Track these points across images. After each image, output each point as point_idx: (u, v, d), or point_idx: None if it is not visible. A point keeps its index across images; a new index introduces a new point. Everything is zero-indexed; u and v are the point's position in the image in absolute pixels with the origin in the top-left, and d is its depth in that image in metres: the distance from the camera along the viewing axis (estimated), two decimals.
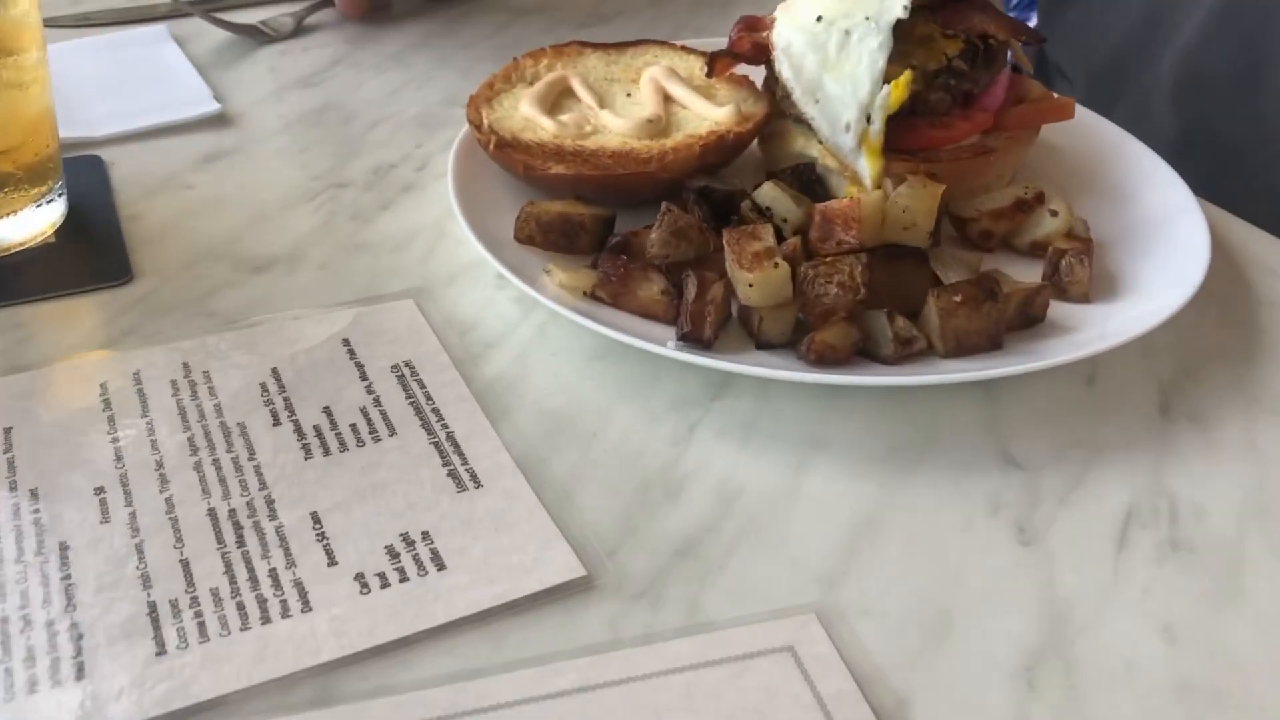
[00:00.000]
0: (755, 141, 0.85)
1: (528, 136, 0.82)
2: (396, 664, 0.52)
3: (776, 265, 0.67)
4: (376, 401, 0.66)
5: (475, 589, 0.55)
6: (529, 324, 0.73)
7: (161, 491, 0.60)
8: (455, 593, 0.54)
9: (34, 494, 0.60)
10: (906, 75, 0.77)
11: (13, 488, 0.60)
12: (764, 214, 0.75)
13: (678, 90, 0.86)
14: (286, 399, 0.66)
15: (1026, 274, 0.74)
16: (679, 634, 0.53)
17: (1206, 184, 0.85)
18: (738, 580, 0.56)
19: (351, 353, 0.70)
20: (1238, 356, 0.72)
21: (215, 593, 0.55)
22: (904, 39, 0.78)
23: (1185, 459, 0.64)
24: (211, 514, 0.59)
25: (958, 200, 0.78)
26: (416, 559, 0.56)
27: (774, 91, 0.83)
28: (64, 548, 0.57)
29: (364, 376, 0.68)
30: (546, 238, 0.76)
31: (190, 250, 0.80)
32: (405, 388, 0.67)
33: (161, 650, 0.52)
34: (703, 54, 0.88)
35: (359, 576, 0.55)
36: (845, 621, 0.54)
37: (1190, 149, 1.03)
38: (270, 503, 0.59)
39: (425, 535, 0.58)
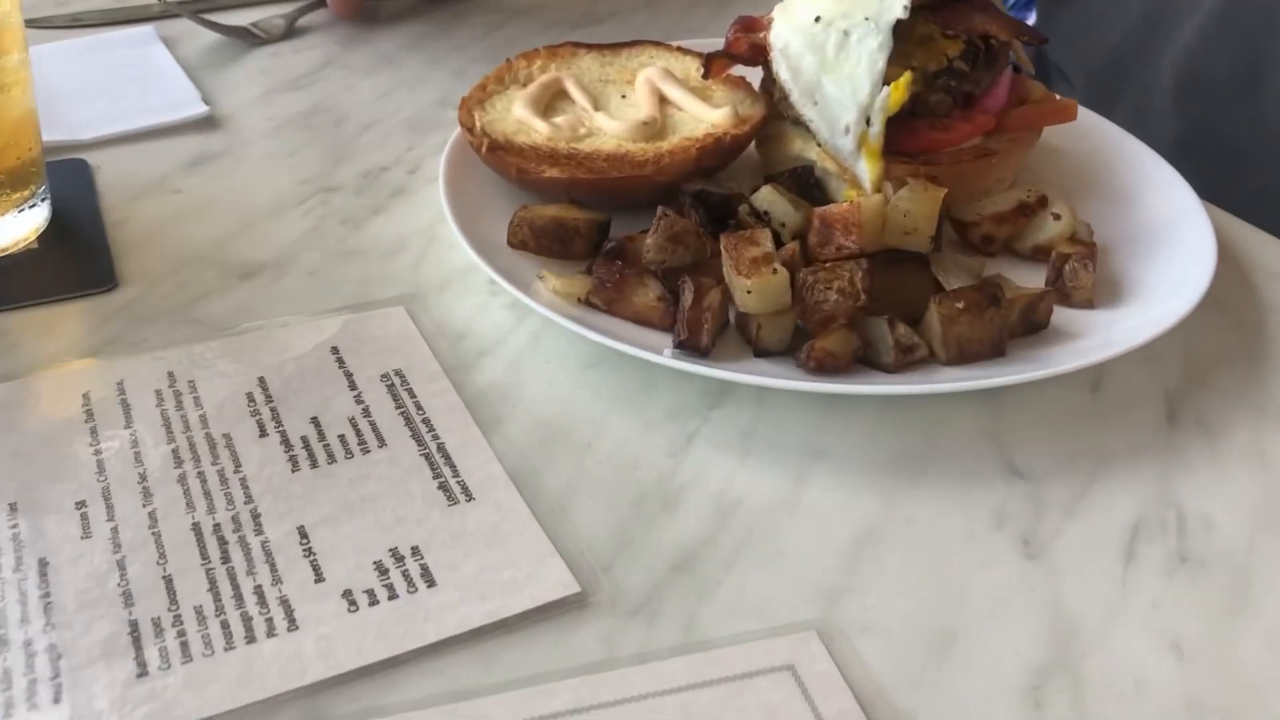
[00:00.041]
0: (752, 144, 0.83)
1: (521, 139, 0.80)
2: (385, 685, 0.50)
3: (775, 271, 0.66)
4: (366, 412, 0.64)
5: (466, 606, 0.53)
6: (522, 331, 0.72)
7: (145, 505, 0.58)
8: (445, 610, 0.53)
9: (13, 508, 0.58)
10: (906, 76, 0.75)
11: None
12: (762, 218, 0.73)
13: (673, 92, 0.84)
14: (273, 409, 0.65)
15: (1029, 279, 0.73)
16: (675, 652, 0.52)
17: (1207, 185, 0.83)
18: (736, 596, 0.55)
19: (340, 361, 0.68)
20: (1244, 363, 0.71)
21: (199, 611, 0.53)
22: (904, 39, 0.76)
23: (1193, 468, 0.63)
24: (196, 528, 0.57)
25: (958, 204, 0.77)
26: (406, 575, 0.55)
27: (771, 93, 0.82)
28: (43, 564, 0.55)
29: (353, 386, 0.66)
30: (540, 243, 0.75)
31: (176, 256, 0.78)
32: (395, 397, 0.66)
33: (143, 671, 0.50)
34: (699, 55, 0.87)
35: (347, 594, 0.54)
36: (847, 639, 0.53)
37: (1191, 150, 1.02)
38: (256, 517, 0.58)
39: (415, 550, 0.56)
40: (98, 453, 0.61)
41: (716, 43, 0.85)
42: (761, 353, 0.67)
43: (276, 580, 0.55)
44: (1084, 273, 0.71)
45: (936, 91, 0.78)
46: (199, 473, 0.60)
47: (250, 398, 0.65)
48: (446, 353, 0.69)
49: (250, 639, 0.52)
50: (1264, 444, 0.65)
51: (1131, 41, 1.16)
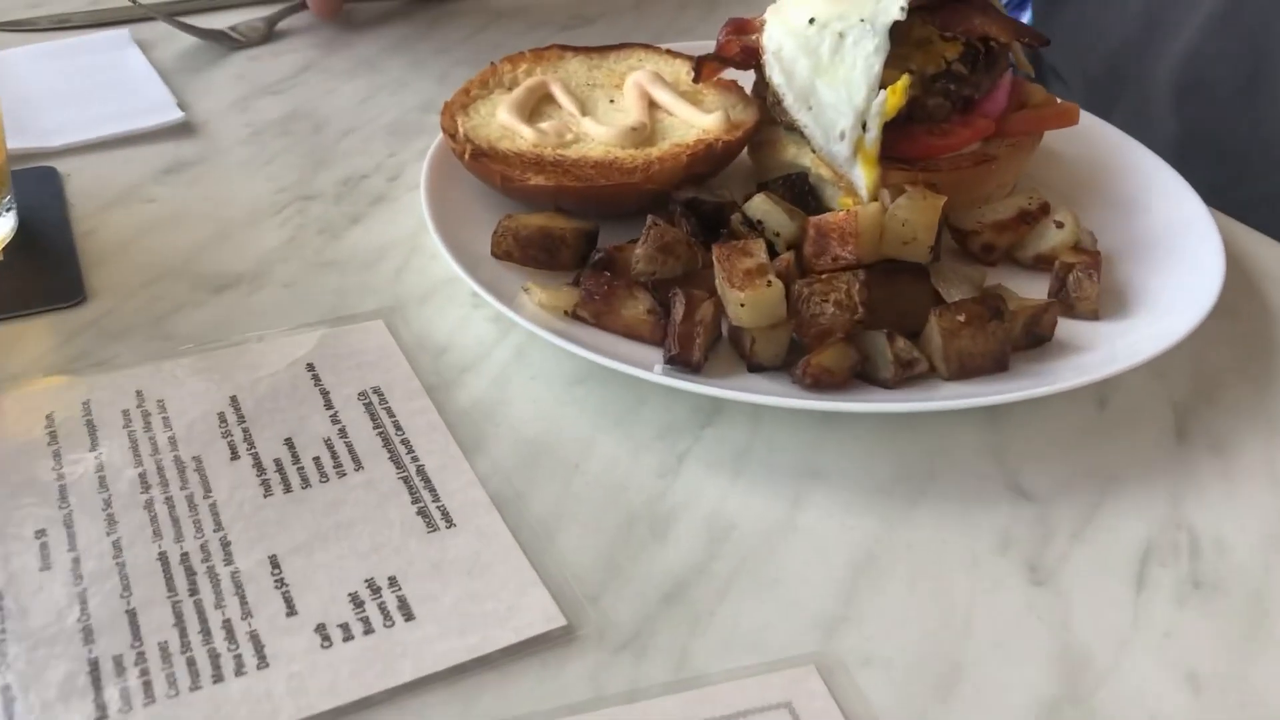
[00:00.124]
0: (745, 150, 0.80)
1: (505, 146, 0.78)
2: None
3: (769, 284, 0.63)
4: (342, 432, 0.62)
5: (445, 641, 0.51)
6: (506, 345, 0.69)
7: (109, 534, 0.56)
8: (423, 646, 0.50)
9: None
10: (904, 80, 0.73)
11: None
12: (755, 228, 0.71)
13: (663, 96, 0.82)
14: (246, 430, 0.62)
15: (1031, 289, 0.70)
16: (667, 689, 0.49)
17: (1207, 190, 0.81)
18: (730, 627, 0.52)
19: (316, 379, 0.65)
20: (1254, 376, 0.69)
21: (164, 647, 0.50)
22: (901, 42, 0.74)
23: (1204, 488, 0.61)
24: (162, 558, 0.54)
25: (958, 211, 0.74)
26: (382, 608, 0.52)
27: (764, 97, 0.79)
28: None
29: (329, 405, 0.63)
30: (525, 253, 0.72)
31: (148, 268, 0.75)
32: (373, 416, 0.63)
33: (102, 714, 0.47)
34: (689, 58, 0.84)
35: (320, 628, 0.51)
36: (846, 672, 0.50)
37: (1190, 154, 0.99)
38: (226, 545, 0.55)
39: (392, 581, 0.53)
40: (60, 478, 0.59)
41: (707, 45, 0.83)
42: (755, 368, 0.64)
43: (246, 614, 0.52)
44: (1089, 283, 0.69)
45: (935, 95, 0.75)
46: (167, 498, 0.58)
47: (222, 418, 0.63)
48: (427, 369, 0.67)
49: (217, 678, 0.49)
50: (1276, 461, 0.63)
51: (1130, 43, 1.14)
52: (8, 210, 0.76)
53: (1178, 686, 0.50)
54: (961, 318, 0.63)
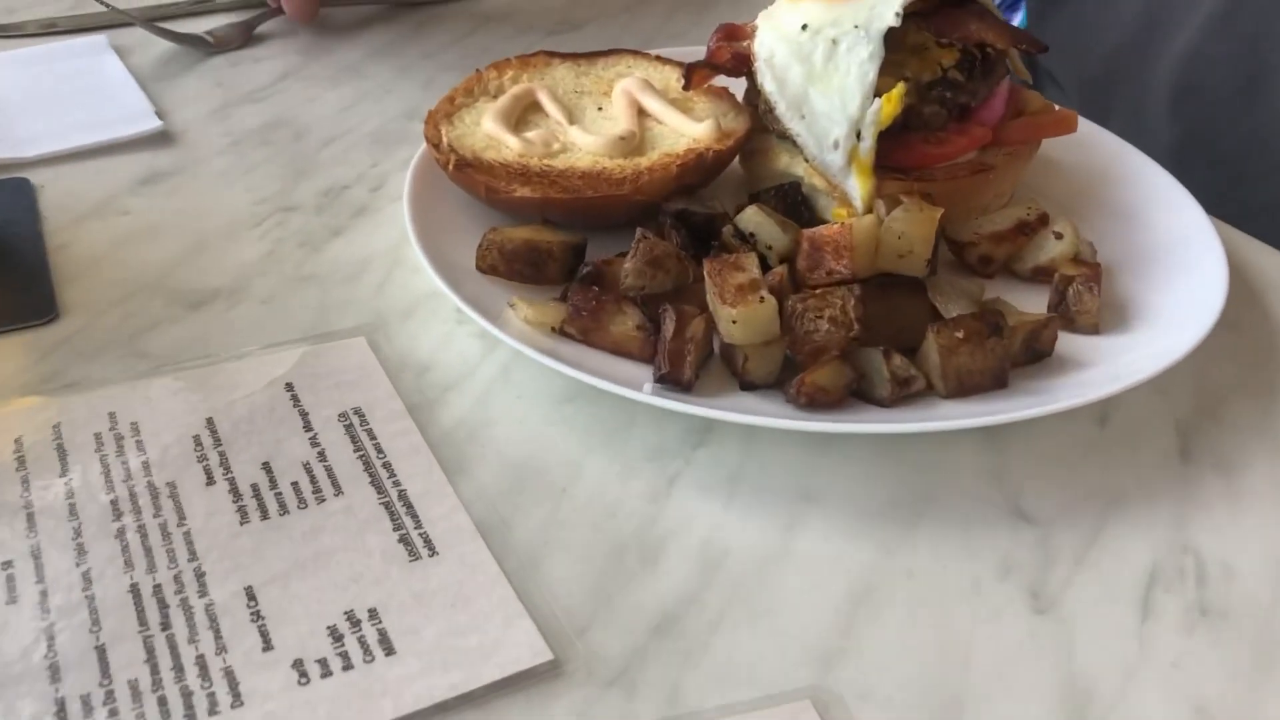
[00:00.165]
0: (736, 159, 0.79)
1: (490, 156, 0.76)
2: None
3: (762, 299, 0.61)
4: (321, 455, 0.60)
5: (427, 678, 0.49)
6: (492, 363, 0.67)
7: (78, 564, 0.54)
8: (404, 683, 0.48)
9: None
10: (899, 88, 0.71)
11: None
12: (747, 241, 0.69)
13: (653, 104, 0.80)
14: (222, 453, 0.60)
15: (1029, 301, 0.69)
16: None
17: (1205, 196, 0.79)
18: (723, 661, 0.50)
19: (295, 399, 0.63)
20: (1259, 392, 0.67)
21: (134, 686, 0.48)
22: (896, 48, 0.72)
23: (1209, 510, 0.59)
24: (134, 590, 0.52)
25: (954, 222, 0.73)
26: (362, 642, 0.50)
27: (756, 105, 0.77)
28: None
29: (308, 427, 0.61)
30: (511, 267, 0.70)
31: (123, 283, 0.73)
32: (353, 439, 0.61)
33: None
34: (679, 65, 0.82)
35: (297, 663, 0.49)
36: (844, 707, 0.48)
37: (1189, 158, 0.98)
38: (200, 576, 0.53)
39: (372, 613, 0.51)
40: (28, 505, 0.56)
41: (698, 51, 0.81)
42: (748, 386, 0.62)
43: (221, 649, 0.50)
44: (1089, 296, 0.67)
45: (930, 103, 0.73)
46: (139, 526, 0.56)
47: (197, 441, 0.60)
48: (410, 388, 0.65)
49: (190, 717, 0.47)
50: None
51: (1127, 45, 1.12)
52: None
53: (1186, 719, 0.49)
54: (960, 334, 0.62)
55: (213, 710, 0.47)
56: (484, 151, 0.76)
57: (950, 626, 0.52)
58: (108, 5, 1.02)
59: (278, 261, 0.75)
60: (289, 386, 0.64)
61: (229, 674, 0.49)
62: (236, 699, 0.48)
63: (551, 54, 0.86)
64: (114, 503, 0.57)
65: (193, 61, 1.01)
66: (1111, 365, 0.64)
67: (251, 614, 0.51)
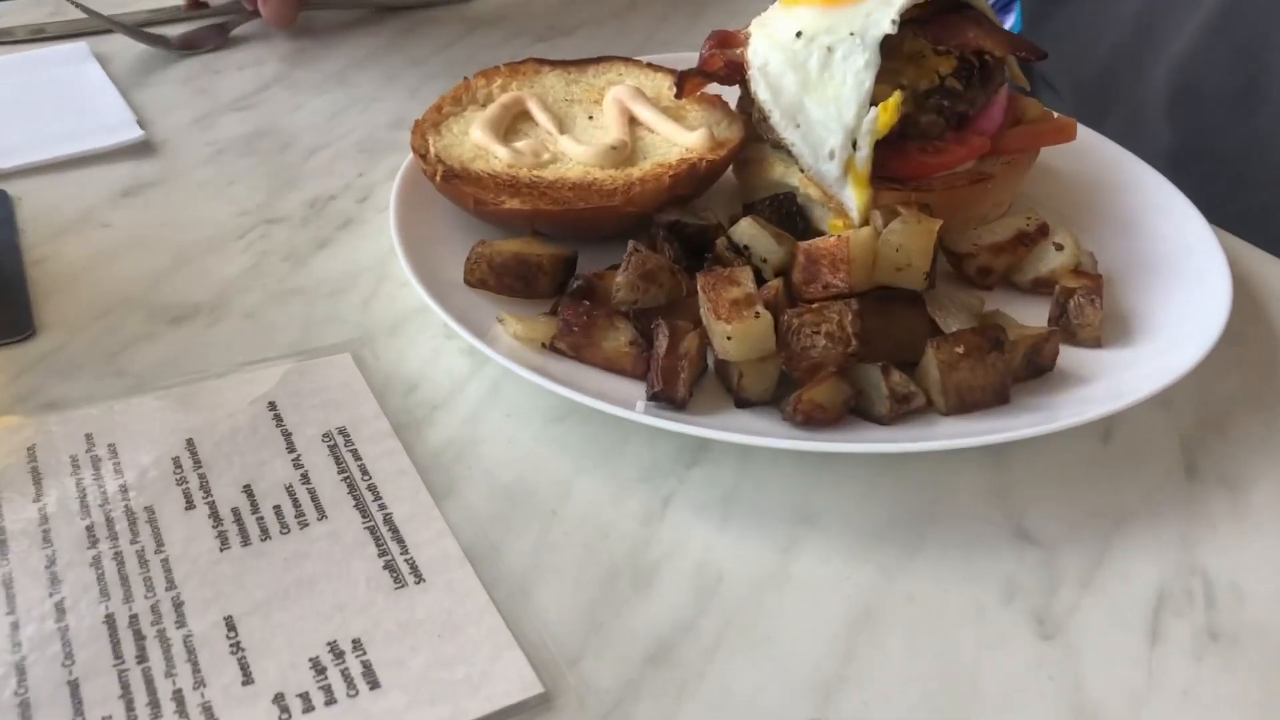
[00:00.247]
0: (730, 169, 0.77)
1: (479, 166, 0.74)
2: None
3: (757, 315, 0.60)
4: (305, 478, 0.58)
5: (413, 712, 0.47)
6: (481, 380, 0.66)
7: (51, 594, 0.52)
8: (390, 718, 0.47)
9: None
10: (896, 96, 0.70)
11: None
12: (742, 253, 0.67)
13: (644, 112, 0.78)
14: (202, 476, 0.58)
15: (1029, 314, 0.67)
16: None
17: (1203, 201, 0.78)
18: (720, 692, 0.49)
19: (278, 418, 0.62)
20: (1264, 405, 0.66)
21: None
22: (892, 56, 0.71)
23: (1217, 529, 0.58)
24: (109, 621, 0.51)
25: (952, 233, 0.71)
26: (346, 674, 0.48)
27: (750, 114, 0.76)
28: None
29: (291, 448, 0.60)
30: (500, 281, 0.68)
31: (102, 299, 0.71)
32: (338, 460, 0.59)
33: None
34: (671, 72, 0.81)
35: (278, 698, 0.47)
36: None
37: (1186, 163, 0.97)
38: (179, 606, 0.51)
39: (356, 644, 0.50)
40: (0, 531, 0.55)
41: (690, 58, 0.79)
42: (743, 403, 0.61)
43: (199, 682, 0.48)
44: (1091, 309, 0.66)
45: (928, 112, 0.72)
46: (116, 553, 0.54)
47: (177, 463, 0.59)
48: (396, 407, 0.63)
49: None
50: None
51: (1123, 50, 1.11)
52: None
53: None
54: (960, 349, 0.60)
55: None
56: (472, 162, 0.74)
57: (954, 653, 0.51)
58: (85, 9, 1.00)
59: (261, 275, 0.74)
60: (272, 405, 0.62)
61: (207, 710, 0.47)
62: None
63: (541, 61, 0.85)
64: (90, 528, 0.55)
65: (175, 71, 0.99)
66: (1114, 380, 0.63)
67: (231, 645, 0.50)
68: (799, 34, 0.72)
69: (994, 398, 0.61)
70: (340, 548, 0.54)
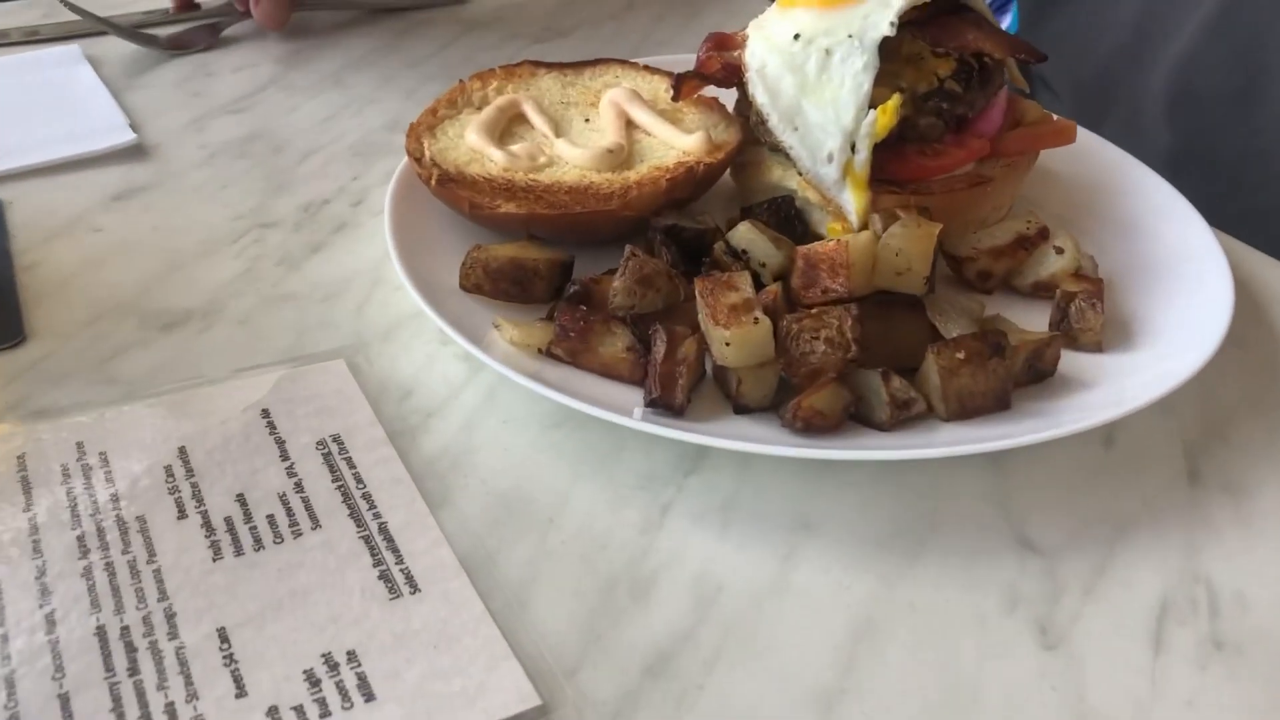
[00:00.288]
0: (727, 172, 0.76)
1: (474, 170, 0.73)
2: None
3: (756, 320, 0.59)
4: (298, 486, 0.57)
5: None
6: (476, 386, 0.65)
7: (41, 606, 0.51)
8: None
9: None
10: (895, 99, 0.69)
11: None
12: (740, 258, 0.67)
13: (641, 115, 0.78)
14: (194, 484, 0.57)
15: (1029, 318, 0.67)
16: None
17: (1202, 203, 0.78)
18: (719, 703, 0.48)
19: (271, 426, 0.61)
20: (1267, 410, 0.65)
21: None
22: (891, 58, 0.70)
23: (1220, 535, 0.57)
24: (100, 633, 0.50)
25: (952, 237, 0.71)
26: (340, 686, 0.48)
27: (747, 117, 0.75)
28: None
29: (284, 455, 0.59)
30: (496, 286, 0.68)
31: (93, 304, 0.70)
32: (332, 468, 0.58)
33: None
34: (668, 75, 0.80)
35: (272, 711, 0.47)
36: None
37: (1184, 165, 0.96)
38: (171, 617, 0.51)
39: (351, 656, 0.49)
40: None
41: (687, 61, 0.79)
42: (742, 409, 0.60)
43: (191, 695, 0.47)
44: (1092, 313, 0.65)
45: (927, 114, 0.71)
46: (107, 564, 0.53)
47: (169, 471, 0.58)
48: (391, 414, 0.62)
49: None
50: None
51: (1121, 51, 1.10)
52: None
53: None
54: (961, 355, 0.59)
55: None
56: (467, 165, 0.74)
57: (956, 664, 0.50)
58: (79, 11, 0.99)
59: (255, 280, 0.73)
60: (265, 412, 0.62)
61: None
62: None
63: (537, 64, 0.84)
64: (80, 538, 0.54)
65: (168, 72, 0.99)
66: (1116, 385, 0.62)
67: (224, 657, 0.49)
68: (797, 36, 0.71)
69: (995, 403, 0.60)
70: (334, 557, 0.54)
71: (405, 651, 0.49)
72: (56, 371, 0.65)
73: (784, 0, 0.74)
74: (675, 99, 0.77)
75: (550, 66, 0.84)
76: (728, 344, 0.59)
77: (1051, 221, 0.73)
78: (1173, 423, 0.64)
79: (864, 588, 0.54)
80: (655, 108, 0.78)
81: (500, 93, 0.81)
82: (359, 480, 0.58)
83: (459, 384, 0.65)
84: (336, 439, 0.60)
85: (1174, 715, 0.48)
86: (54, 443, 0.60)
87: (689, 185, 0.72)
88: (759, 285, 0.64)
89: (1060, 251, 0.70)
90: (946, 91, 0.71)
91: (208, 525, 0.55)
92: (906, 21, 0.69)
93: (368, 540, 0.54)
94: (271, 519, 0.55)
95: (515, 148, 0.75)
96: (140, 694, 0.47)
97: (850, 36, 0.70)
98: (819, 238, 0.70)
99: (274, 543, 0.54)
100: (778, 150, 0.73)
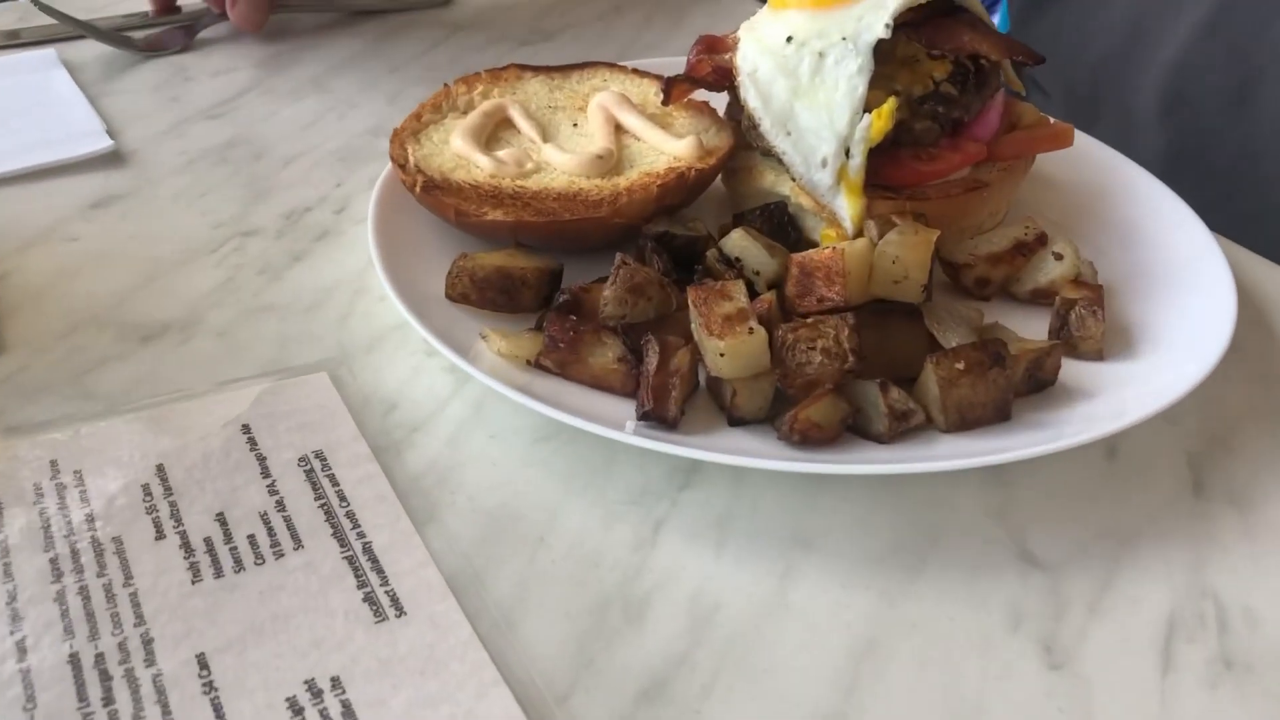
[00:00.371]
0: (719, 178, 0.75)
1: (460, 176, 0.72)
2: None
3: (751, 331, 0.58)
4: (280, 505, 0.56)
5: None
6: (463, 398, 0.63)
7: (12, 633, 0.49)
8: None
9: None
10: (890, 102, 0.68)
11: None
12: (733, 266, 0.65)
13: (631, 120, 0.76)
14: (173, 504, 0.55)
15: (1028, 325, 0.66)
16: None
17: (1196, 205, 0.77)
18: None
19: (252, 442, 0.59)
20: (1270, 417, 0.64)
21: None
22: (885, 61, 0.69)
23: (1227, 549, 0.56)
24: (74, 660, 0.48)
25: (948, 243, 0.69)
26: (324, 715, 0.46)
27: (739, 121, 0.74)
28: None
29: (266, 473, 0.57)
30: (483, 296, 0.66)
31: (69, 316, 0.68)
32: (314, 485, 0.57)
33: None
34: (658, 78, 0.79)
35: None
36: None
37: (1178, 168, 0.95)
38: (148, 643, 0.49)
39: (335, 682, 0.47)
40: None
41: (676, 64, 0.77)
42: (737, 422, 0.59)
43: None
44: (1092, 321, 0.64)
45: (922, 118, 0.70)
46: (81, 587, 0.51)
47: (146, 490, 0.56)
48: (375, 428, 0.60)
49: None
50: None
51: (1114, 53, 1.09)
52: None
53: None
54: (960, 365, 0.58)
55: None
56: (453, 172, 0.72)
57: (960, 684, 0.49)
58: (56, 14, 0.97)
59: (235, 291, 0.71)
60: (245, 428, 0.60)
61: None
62: None
63: (523, 67, 0.82)
64: (54, 561, 0.52)
65: (145, 76, 0.97)
66: (1118, 394, 0.61)
67: (204, 685, 0.47)
68: (789, 39, 0.70)
69: (995, 414, 0.59)
70: (317, 579, 0.52)
71: (391, 678, 0.48)
72: (30, 386, 0.63)
73: (776, 2, 0.72)
74: (665, 103, 0.76)
75: (537, 70, 0.82)
76: (722, 355, 0.58)
77: (1049, 227, 0.72)
78: (1175, 432, 0.62)
79: (864, 606, 0.52)
80: (645, 112, 0.77)
81: (486, 97, 0.79)
82: (342, 498, 0.56)
83: (445, 397, 0.63)
84: (319, 455, 0.58)
85: None
86: (27, 460, 0.58)
87: (680, 191, 0.70)
88: (753, 294, 0.63)
89: (1059, 257, 0.69)
90: (942, 94, 0.70)
91: (186, 546, 0.53)
92: (901, 23, 0.68)
93: (351, 561, 0.53)
94: (252, 539, 0.54)
95: (502, 153, 0.73)
96: None
97: (844, 39, 0.68)
98: (813, 245, 0.69)
99: (255, 564, 0.52)
100: (770, 155, 0.72)
